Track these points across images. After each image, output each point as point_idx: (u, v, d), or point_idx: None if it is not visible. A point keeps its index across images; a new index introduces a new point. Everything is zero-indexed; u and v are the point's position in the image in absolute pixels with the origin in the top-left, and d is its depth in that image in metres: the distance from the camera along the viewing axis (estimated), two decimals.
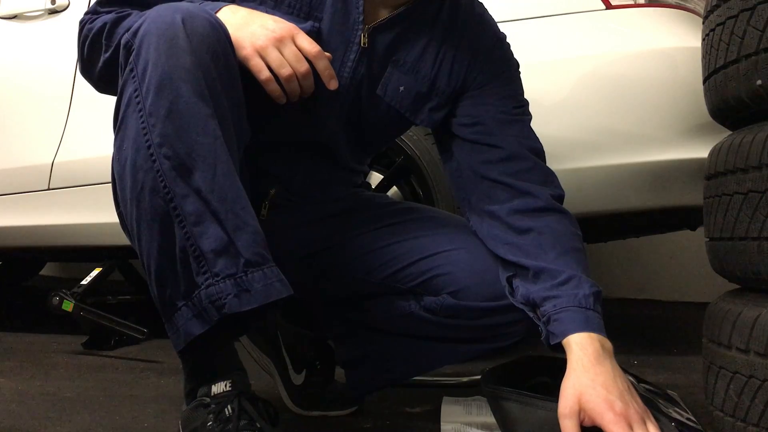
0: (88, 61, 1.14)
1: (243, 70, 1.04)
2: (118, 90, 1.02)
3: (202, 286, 0.95)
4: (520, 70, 1.28)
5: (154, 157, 0.95)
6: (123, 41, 1.01)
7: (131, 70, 0.98)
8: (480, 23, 1.24)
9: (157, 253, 0.98)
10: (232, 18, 1.04)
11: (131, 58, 0.98)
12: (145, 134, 0.96)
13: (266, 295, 0.95)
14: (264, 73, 1.03)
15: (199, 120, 0.95)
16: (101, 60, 1.11)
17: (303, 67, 1.04)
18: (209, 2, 1.08)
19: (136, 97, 0.97)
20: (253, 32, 1.03)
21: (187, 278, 0.97)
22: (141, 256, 1.01)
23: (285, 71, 1.03)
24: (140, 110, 0.96)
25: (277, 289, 0.96)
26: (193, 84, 0.95)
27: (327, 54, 1.07)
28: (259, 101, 1.06)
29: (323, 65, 1.06)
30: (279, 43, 1.03)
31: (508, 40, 1.28)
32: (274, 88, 1.04)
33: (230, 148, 0.98)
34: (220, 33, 1.00)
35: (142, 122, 0.96)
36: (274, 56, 1.03)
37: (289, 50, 1.04)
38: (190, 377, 1.06)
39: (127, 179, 0.98)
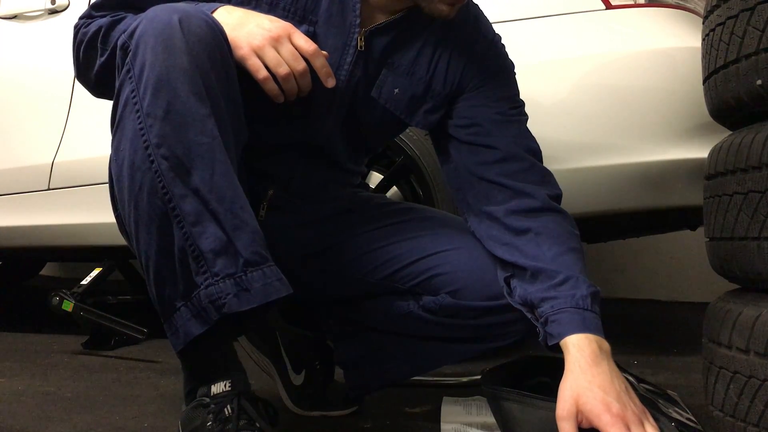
0: (84, 65, 1.14)
1: (240, 70, 1.04)
2: (115, 91, 1.01)
3: (202, 286, 0.95)
4: (521, 70, 1.28)
5: (152, 158, 0.95)
6: (119, 42, 1.01)
7: (128, 71, 0.98)
8: (475, 25, 1.24)
9: (155, 254, 0.98)
10: (228, 18, 1.03)
11: (128, 59, 0.98)
12: (143, 135, 0.96)
13: (266, 294, 0.95)
14: (261, 73, 1.03)
15: (196, 120, 0.95)
16: (97, 64, 1.10)
17: (300, 65, 1.04)
18: (204, 3, 1.08)
19: (133, 97, 0.97)
20: (250, 32, 1.03)
21: (186, 278, 0.97)
22: (139, 256, 1.01)
23: (282, 70, 1.03)
24: (137, 111, 0.96)
25: (277, 288, 0.96)
26: (190, 84, 0.95)
27: (324, 52, 1.07)
28: (257, 102, 1.06)
29: (320, 63, 1.06)
30: (276, 42, 1.03)
31: (508, 40, 1.28)
32: (271, 87, 1.04)
33: (228, 148, 0.98)
34: (217, 33, 1.00)
35: (140, 123, 0.96)
36: (271, 55, 1.03)
37: (286, 49, 1.03)
38: (190, 377, 1.06)
39: (125, 180, 0.98)
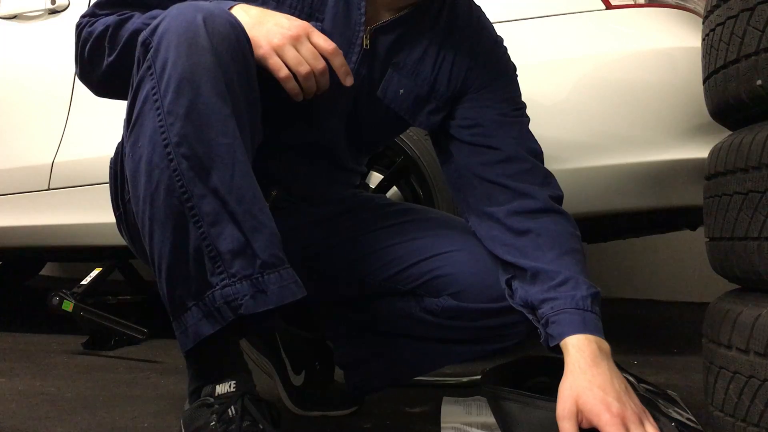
0: (89, 64, 1.13)
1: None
2: (133, 87, 1.01)
3: (217, 287, 0.95)
4: (521, 70, 1.28)
5: (171, 156, 0.95)
6: (141, 38, 1.00)
7: (149, 68, 0.97)
8: (478, 27, 1.24)
9: (169, 253, 0.97)
10: (245, 17, 1.03)
11: (149, 56, 0.98)
12: (163, 133, 0.95)
13: (281, 296, 0.95)
14: (283, 71, 1.02)
15: (218, 120, 0.95)
16: (105, 63, 1.10)
17: (320, 64, 1.04)
18: (219, 1, 1.07)
19: (154, 95, 0.96)
20: (269, 30, 1.02)
21: (200, 278, 0.96)
22: (151, 254, 1.00)
23: (303, 69, 1.03)
24: (158, 108, 0.96)
25: (292, 291, 0.96)
26: (213, 83, 0.95)
27: (340, 51, 1.07)
28: (262, 102, 1.06)
29: (339, 62, 1.06)
30: (295, 41, 1.03)
31: (508, 40, 1.28)
32: (292, 86, 1.04)
33: (246, 148, 0.98)
34: (240, 33, 0.99)
35: (160, 120, 0.96)
36: (291, 54, 1.02)
37: (306, 48, 1.03)
38: (195, 377, 1.06)
39: (141, 177, 0.98)
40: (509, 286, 1.14)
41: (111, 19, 1.09)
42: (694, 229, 2.20)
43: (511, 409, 1.08)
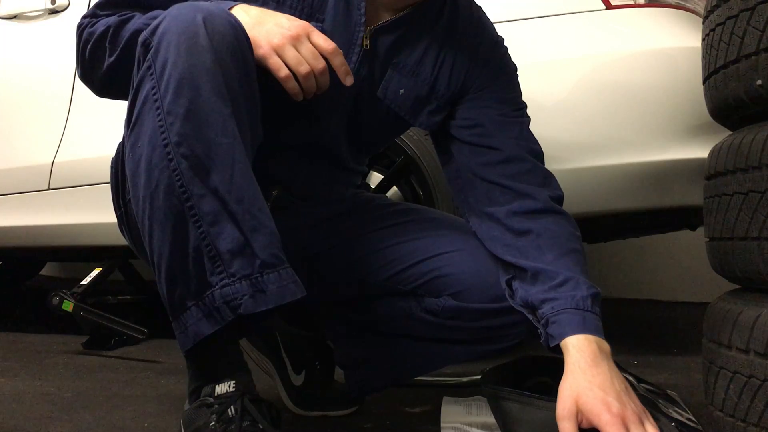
0: (90, 65, 1.13)
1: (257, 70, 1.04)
2: (133, 87, 1.01)
3: (217, 286, 0.95)
4: (521, 70, 1.28)
5: (171, 156, 0.95)
6: (141, 38, 1.00)
7: (149, 68, 0.98)
8: (479, 27, 1.24)
9: (168, 252, 0.98)
10: (245, 17, 1.03)
11: (149, 56, 0.98)
12: (163, 132, 0.96)
13: (281, 296, 0.95)
14: (283, 71, 1.03)
15: (218, 120, 0.95)
16: (105, 64, 1.10)
17: (320, 64, 1.04)
18: (219, 1, 1.07)
19: (154, 94, 0.97)
20: (269, 31, 1.03)
21: (199, 278, 0.96)
22: (151, 254, 1.00)
23: (303, 69, 1.03)
24: (158, 108, 0.96)
25: (292, 291, 0.96)
26: (213, 83, 0.95)
27: (340, 50, 1.07)
28: (262, 102, 1.06)
29: (339, 62, 1.06)
30: (295, 41, 1.03)
31: (508, 40, 1.28)
32: (292, 85, 1.04)
33: (246, 148, 0.98)
34: (240, 32, 1.00)
35: (160, 120, 0.96)
36: (291, 54, 1.02)
37: (306, 48, 1.03)
38: (195, 376, 1.06)
39: (141, 177, 0.98)
40: (509, 286, 1.14)
41: (112, 19, 1.10)
42: (694, 229, 2.20)
43: (511, 409, 1.08)
